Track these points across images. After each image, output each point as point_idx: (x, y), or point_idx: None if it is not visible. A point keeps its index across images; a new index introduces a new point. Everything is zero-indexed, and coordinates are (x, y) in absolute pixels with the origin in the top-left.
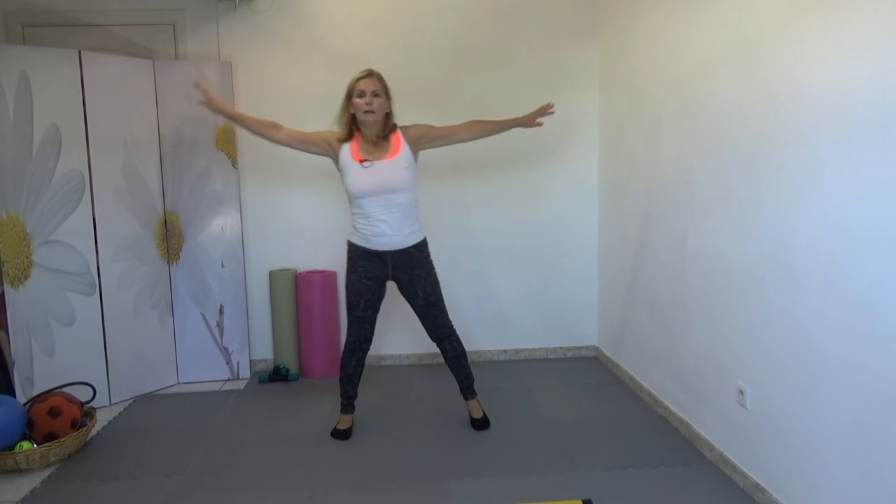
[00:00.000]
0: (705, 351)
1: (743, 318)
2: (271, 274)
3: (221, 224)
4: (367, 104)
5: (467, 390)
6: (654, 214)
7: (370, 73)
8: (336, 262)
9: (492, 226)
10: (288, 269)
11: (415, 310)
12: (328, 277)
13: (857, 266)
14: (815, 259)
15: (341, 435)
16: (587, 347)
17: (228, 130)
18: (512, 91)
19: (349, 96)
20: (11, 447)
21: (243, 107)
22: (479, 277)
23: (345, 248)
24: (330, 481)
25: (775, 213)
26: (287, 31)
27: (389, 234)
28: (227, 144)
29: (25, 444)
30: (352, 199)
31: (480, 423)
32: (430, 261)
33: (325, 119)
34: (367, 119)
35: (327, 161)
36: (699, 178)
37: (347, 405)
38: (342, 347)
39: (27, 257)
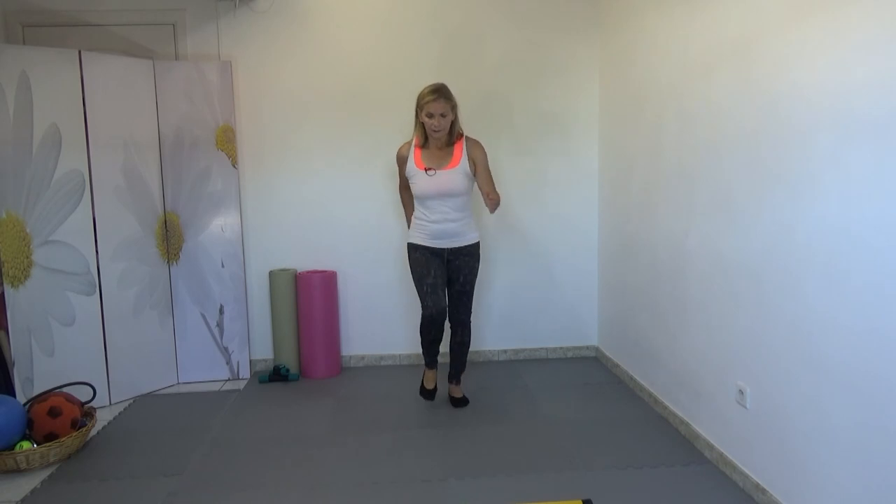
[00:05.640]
0: (705, 351)
1: (743, 318)
2: (271, 274)
3: (221, 224)
4: (435, 125)
5: (455, 376)
6: (654, 214)
7: (438, 96)
8: (336, 262)
9: (492, 225)
10: (288, 269)
11: (449, 291)
12: (328, 277)
13: (856, 266)
14: (814, 259)
15: (428, 395)
16: (587, 347)
17: (228, 130)
18: (511, 90)
19: (419, 109)
20: (11, 447)
21: (243, 106)
22: (479, 277)
23: (344, 248)
24: (330, 481)
25: (775, 213)
26: (287, 31)
27: (446, 223)
28: (227, 144)
29: (25, 444)
30: (417, 198)
31: (460, 402)
32: (479, 254)
33: (324, 118)
34: (435, 136)
35: (326, 161)
36: (699, 178)
37: (431, 362)
38: (339, 348)
39: (27, 257)
